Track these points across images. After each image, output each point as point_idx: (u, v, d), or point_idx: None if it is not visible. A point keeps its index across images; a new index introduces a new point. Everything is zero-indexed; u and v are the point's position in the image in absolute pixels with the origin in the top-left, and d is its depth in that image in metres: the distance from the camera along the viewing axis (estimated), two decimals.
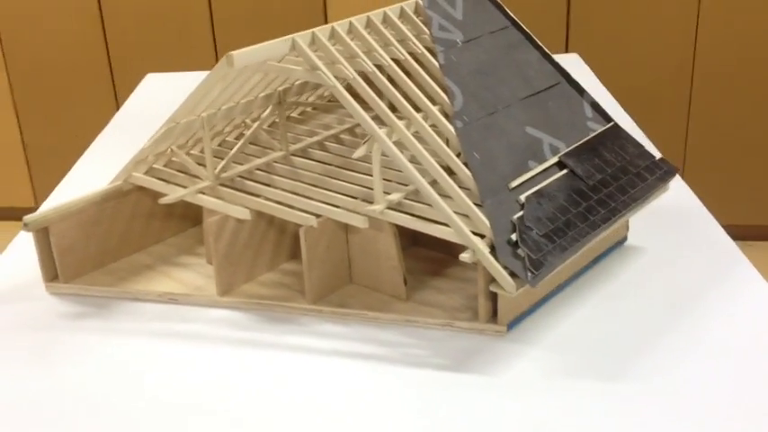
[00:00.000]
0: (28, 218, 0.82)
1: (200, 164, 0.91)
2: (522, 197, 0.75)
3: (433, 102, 0.80)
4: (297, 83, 0.98)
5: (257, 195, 0.84)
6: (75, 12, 2.47)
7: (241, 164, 0.90)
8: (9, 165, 2.68)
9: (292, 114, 1.07)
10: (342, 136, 0.97)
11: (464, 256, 0.71)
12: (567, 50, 2.32)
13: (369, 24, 0.84)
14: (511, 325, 0.75)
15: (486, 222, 0.72)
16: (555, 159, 0.81)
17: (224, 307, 0.82)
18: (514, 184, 0.77)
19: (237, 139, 0.98)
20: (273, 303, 0.81)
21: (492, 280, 0.72)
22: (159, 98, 1.51)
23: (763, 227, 2.43)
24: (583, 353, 0.72)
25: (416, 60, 0.83)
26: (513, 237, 0.72)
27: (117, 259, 0.90)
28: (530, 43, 0.92)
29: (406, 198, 0.78)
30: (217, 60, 2.47)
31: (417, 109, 0.78)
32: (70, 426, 0.67)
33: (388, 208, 0.77)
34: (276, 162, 0.91)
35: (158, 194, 0.87)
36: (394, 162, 0.76)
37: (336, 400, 0.68)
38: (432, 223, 0.75)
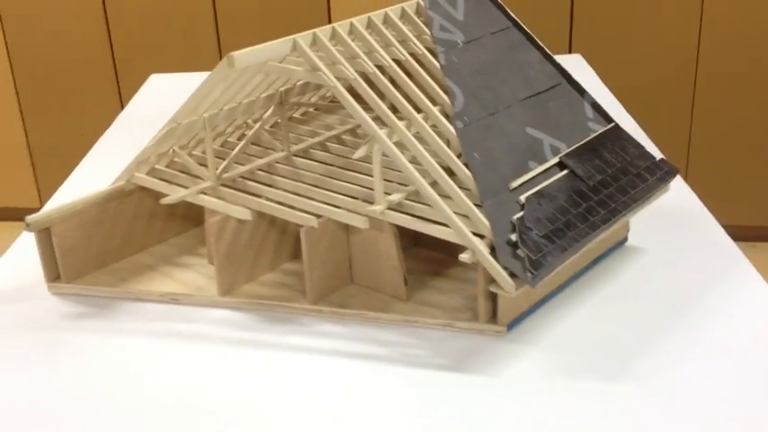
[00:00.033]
0: (30, 218, 0.83)
1: (201, 164, 0.91)
2: (523, 198, 0.75)
3: (434, 102, 0.80)
4: (299, 83, 0.98)
5: (258, 196, 0.84)
6: (79, 13, 2.48)
7: (243, 164, 0.90)
8: (14, 165, 2.68)
9: (294, 115, 1.07)
10: (344, 136, 0.97)
11: (463, 257, 0.71)
12: (570, 51, 2.32)
13: (370, 25, 0.84)
14: (511, 325, 0.76)
15: (486, 223, 0.72)
16: (555, 160, 0.81)
17: (225, 307, 0.82)
18: (515, 184, 0.77)
19: (239, 139, 0.98)
20: (274, 303, 0.81)
21: (492, 280, 0.72)
22: (163, 99, 1.52)
23: (767, 228, 2.43)
24: (582, 353, 0.72)
25: (417, 61, 0.83)
26: (513, 237, 0.72)
27: (119, 259, 0.91)
28: (531, 44, 0.92)
29: (406, 199, 0.78)
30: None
31: (418, 110, 0.78)
32: (72, 425, 0.67)
33: (389, 208, 0.77)
34: (278, 163, 0.91)
35: (160, 195, 0.87)
36: (394, 163, 0.76)
37: (336, 400, 0.68)
38: (432, 224, 0.75)
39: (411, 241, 0.88)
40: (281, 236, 0.87)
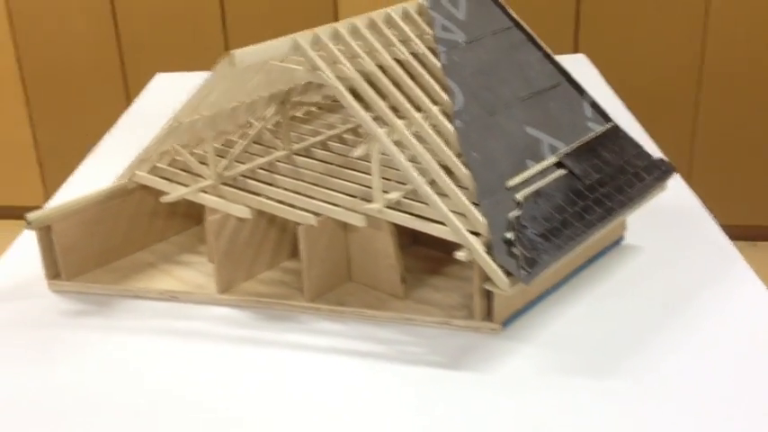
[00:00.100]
0: (31, 216, 0.83)
1: (203, 163, 0.92)
2: (519, 196, 0.76)
3: (434, 102, 0.81)
4: (301, 82, 0.98)
5: (258, 194, 0.84)
6: (87, 11, 2.49)
7: (244, 163, 0.91)
8: (21, 163, 2.70)
9: (297, 114, 1.07)
10: (345, 135, 0.97)
11: (459, 255, 0.72)
12: (575, 51, 2.32)
13: (371, 25, 0.84)
14: (506, 323, 0.76)
15: (483, 221, 0.72)
16: (553, 159, 0.82)
17: (224, 305, 0.83)
18: (512, 183, 0.77)
19: (241, 138, 0.99)
20: (273, 301, 0.82)
21: (487, 278, 0.72)
22: (168, 98, 1.52)
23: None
24: (577, 351, 0.72)
25: (418, 60, 0.84)
26: (509, 235, 0.72)
27: (120, 257, 0.91)
28: (532, 44, 0.92)
29: (404, 197, 0.79)
30: None
31: (418, 109, 0.79)
32: (71, 423, 0.68)
33: (387, 207, 0.78)
34: (279, 161, 0.91)
35: (161, 193, 0.87)
36: (393, 161, 0.77)
37: (334, 397, 0.69)
38: (429, 222, 0.75)
39: (410, 239, 0.89)
40: (280, 234, 0.87)
